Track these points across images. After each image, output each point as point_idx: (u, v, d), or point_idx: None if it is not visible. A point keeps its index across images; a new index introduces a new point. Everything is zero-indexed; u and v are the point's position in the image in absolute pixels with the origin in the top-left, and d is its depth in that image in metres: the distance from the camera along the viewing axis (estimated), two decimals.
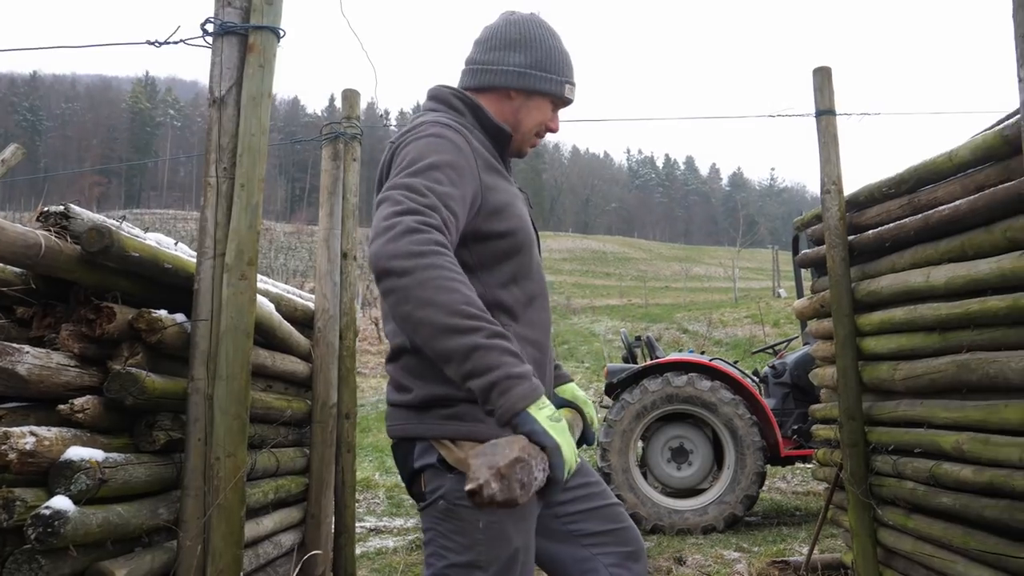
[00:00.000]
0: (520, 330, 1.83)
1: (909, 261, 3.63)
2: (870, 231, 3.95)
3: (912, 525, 3.60)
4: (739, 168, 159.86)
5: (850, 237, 4.11)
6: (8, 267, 2.15)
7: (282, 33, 2.56)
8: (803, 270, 6.37)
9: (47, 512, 1.84)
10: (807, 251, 4.66)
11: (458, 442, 1.75)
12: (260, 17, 2.50)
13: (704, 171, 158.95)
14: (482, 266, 1.80)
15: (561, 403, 2.13)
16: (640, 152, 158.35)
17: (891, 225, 3.75)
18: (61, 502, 1.87)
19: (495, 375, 1.38)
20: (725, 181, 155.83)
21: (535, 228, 2.02)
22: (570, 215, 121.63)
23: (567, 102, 2.02)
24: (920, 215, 3.52)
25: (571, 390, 2.17)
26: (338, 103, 3.96)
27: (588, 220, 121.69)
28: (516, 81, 1.94)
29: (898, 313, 3.64)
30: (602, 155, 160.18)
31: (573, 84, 2.00)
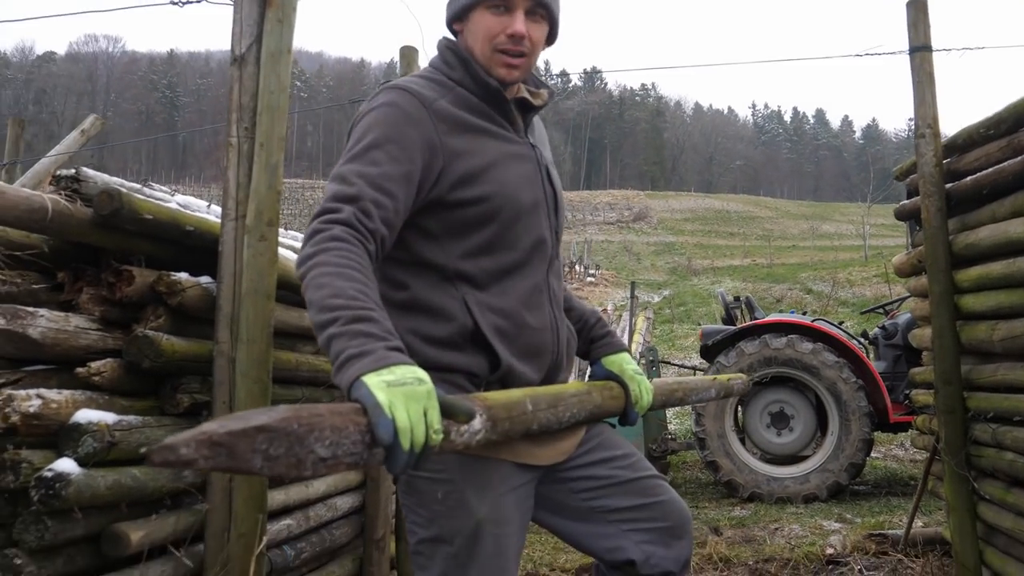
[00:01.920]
0: (486, 298, 1.70)
1: (1009, 209, 3.27)
2: (968, 178, 3.59)
3: (1012, 500, 3.28)
4: (874, 119, 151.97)
5: (948, 185, 3.75)
6: (33, 233, 2.18)
7: None
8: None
9: (49, 474, 1.85)
10: (905, 201, 4.31)
11: None
12: None
13: (836, 124, 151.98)
14: (448, 234, 1.69)
15: (606, 375, 1.98)
16: (766, 107, 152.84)
17: (990, 170, 3.39)
18: (65, 464, 1.89)
19: (339, 360, 1.28)
20: (859, 134, 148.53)
21: (548, 190, 1.85)
22: (692, 174, 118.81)
23: None
24: (1020, 157, 3.16)
25: (619, 362, 1.99)
26: (400, 64, 3.88)
27: (712, 179, 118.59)
28: (450, 12, 1.81)
29: (997, 267, 3.30)
30: (726, 111, 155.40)
31: None
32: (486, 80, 1.75)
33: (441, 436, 1.21)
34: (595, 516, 1.85)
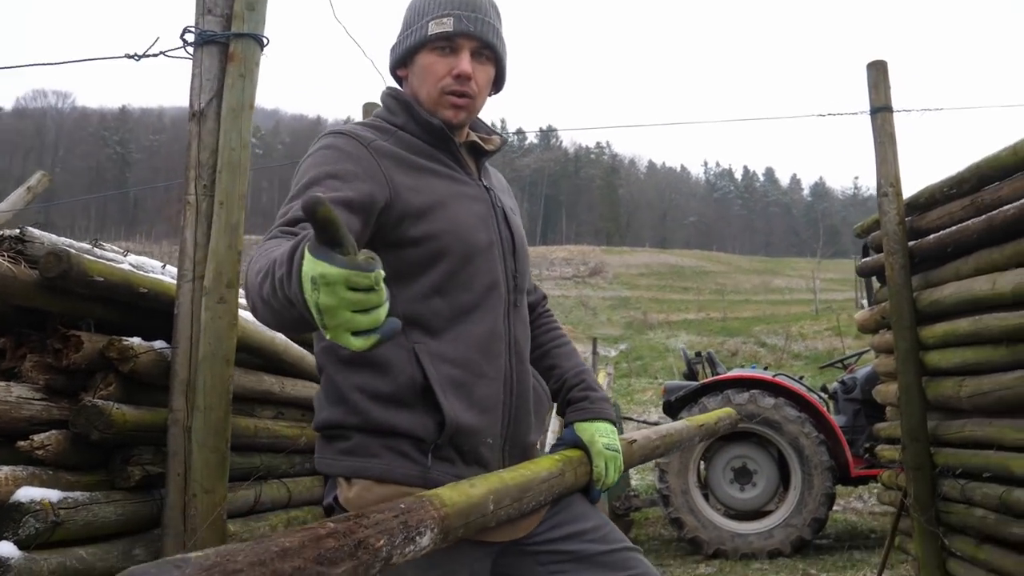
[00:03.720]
0: (438, 347, 1.61)
1: (973, 267, 3.31)
2: (931, 235, 3.63)
3: (983, 557, 3.26)
4: (821, 178, 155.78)
5: (911, 243, 3.79)
6: None
7: (265, 41, 2.44)
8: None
9: None
10: (867, 259, 4.34)
11: (352, 480, 1.59)
12: (241, 24, 2.38)
13: (785, 182, 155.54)
14: (396, 277, 1.59)
15: (573, 442, 1.85)
16: (718, 164, 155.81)
17: (953, 228, 3.43)
18: (4, 548, 1.74)
19: (283, 274, 1.14)
20: (807, 191, 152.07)
21: (505, 232, 1.78)
22: (647, 230, 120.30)
23: (447, 36, 1.68)
24: (984, 216, 3.20)
25: (591, 432, 1.84)
26: (356, 118, 3.83)
27: (666, 235, 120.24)
28: (393, 58, 1.79)
29: (963, 324, 3.32)
30: (679, 168, 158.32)
31: (442, 15, 1.68)
32: (428, 120, 1.70)
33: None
34: None
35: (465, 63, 1.69)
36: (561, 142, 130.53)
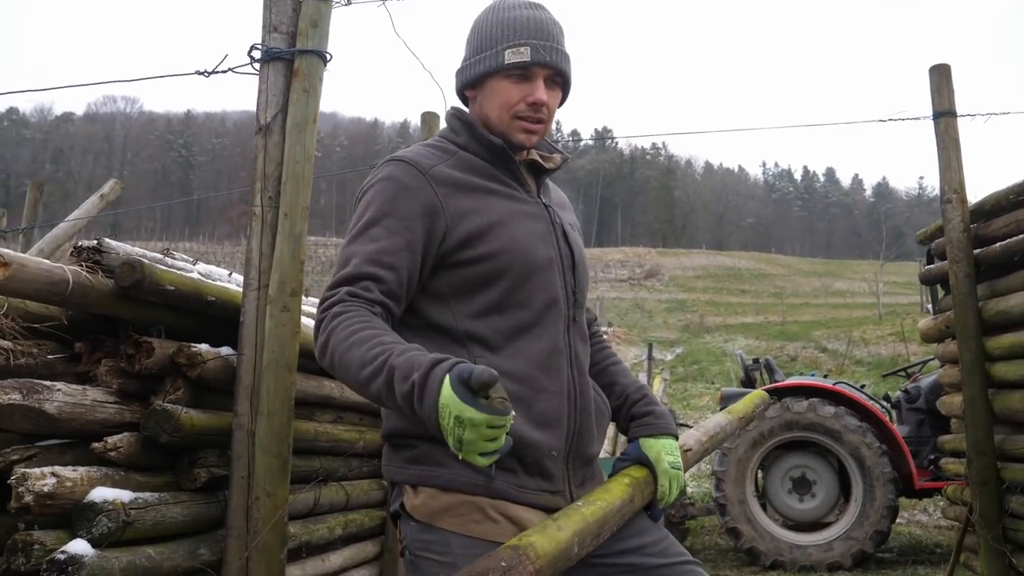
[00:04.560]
0: (498, 362, 1.64)
1: None
2: (998, 243, 3.54)
3: None
4: (884, 178, 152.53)
5: (976, 251, 3.71)
6: (52, 305, 2.15)
7: (328, 57, 2.50)
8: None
9: (62, 557, 1.79)
10: (931, 266, 4.25)
11: (418, 488, 1.63)
12: (305, 41, 2.44)
13: (846, 182, 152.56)
14: (456, 294, 1.67)
15: (638, 458, 1.85)
16: (776, 165, 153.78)
17: (1020, 236, 3.35)
18: (78, 546, 1.82)
19: (408, 390, 1.37)
20: (869, 192, 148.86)
21: (564, 249, 1.80)
22: (703, 232, 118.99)
23: (522, 66, 1.72)
24: None
25: (658, 450, 1.84)
26: (413, 123, 3.88)
27: (723, 237, 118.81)
28: (462, 80, 1.82)
29: None
30: (736, 169, 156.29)
31: (518, 44, 1.72)
32: (490, 140, 1.75)
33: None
34: None
35: (541, 92, 1.74)
36: (616, 143, 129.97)
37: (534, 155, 1.86)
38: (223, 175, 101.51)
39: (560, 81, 1.80)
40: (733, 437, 6.50)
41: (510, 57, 1.72)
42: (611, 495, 1.63)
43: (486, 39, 1.78)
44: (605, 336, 2.11)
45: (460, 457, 1.31)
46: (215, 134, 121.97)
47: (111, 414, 2.12)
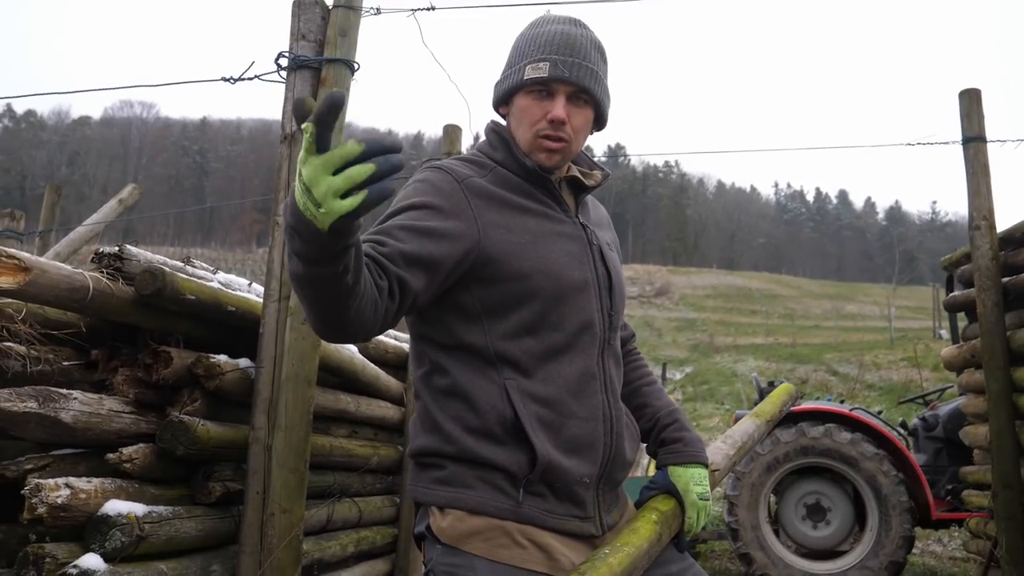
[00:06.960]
0: (529, 386, 1.59)
1: None
2: None
3: None
4: (897, 201, 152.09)
5: (1004, 279, 3.64)
6: (70, 312, 2.11)
7: (356, 66, 2.47)
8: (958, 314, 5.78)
9: (74, 572, 1.74)
10: (956, 293, 4.19)
11: (445, 510, 1.57)
12: (334, 50, 2.41)
13: (859, 205, 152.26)
14: (488, 313, 1.61)
15: (666, 487, 1.80)
16: (789, 186, 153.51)
17: None
18: (91, 560, 1.78)
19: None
20: (881, 215, 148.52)
21: (601, 270, 1.74)
22: (715, 251, 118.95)
23: (541, 82, 1.67)
24: None
25: (687, 480, 1.78)
26: (427, 135, 3.85)
27: (734, 256, 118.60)
28: (495, 97, 1.78)
29: None
30: (748, 189, 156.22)
31: (539, 60, 1.67)
32: (523, 162, 1.71)
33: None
34: None
35: (559, 109, 1.67)
36: (629, 160, 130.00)
37: (574, 171, 1.81)
38: (236, 182, 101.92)
39: (588, 100, 1.72)
40: (746, 461, 6.42)
41: (529, 73, 1.68)
42: (639, 537, 1.58)
43: (515, 54, 1.75)
44: (641, 353, 2.05)
45: (320, 211, 1.12)
46: (230, 141, 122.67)
47: (127, 424, 2.08)
